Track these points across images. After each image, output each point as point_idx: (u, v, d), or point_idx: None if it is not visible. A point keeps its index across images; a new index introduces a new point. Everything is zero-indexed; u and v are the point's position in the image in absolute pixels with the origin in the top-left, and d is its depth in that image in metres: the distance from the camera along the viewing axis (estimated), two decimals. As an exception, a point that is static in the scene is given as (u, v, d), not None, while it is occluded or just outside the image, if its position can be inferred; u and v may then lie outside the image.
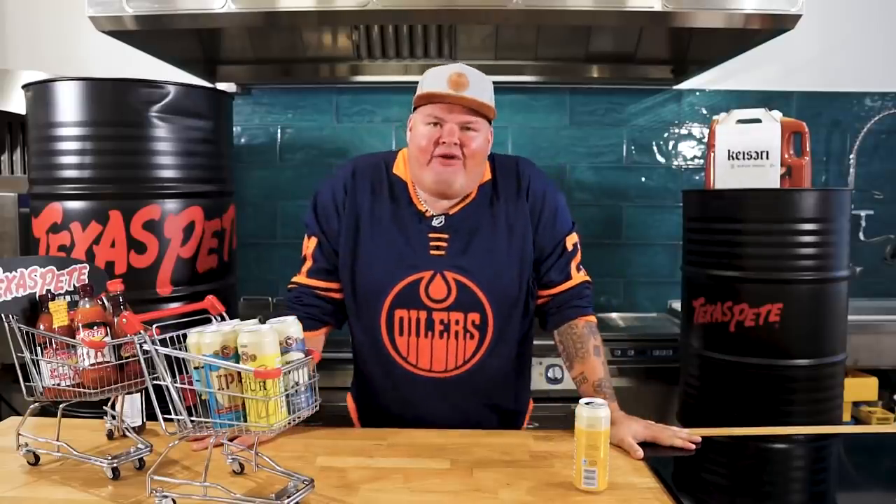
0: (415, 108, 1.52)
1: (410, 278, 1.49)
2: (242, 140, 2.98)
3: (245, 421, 1.10)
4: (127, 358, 1.28)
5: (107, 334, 1.27)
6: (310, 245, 1.60)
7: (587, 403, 1.21)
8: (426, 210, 1.53)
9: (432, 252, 1.51)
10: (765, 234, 2.03)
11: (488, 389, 1.56)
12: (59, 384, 1.27)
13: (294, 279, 1.62)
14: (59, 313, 1.27)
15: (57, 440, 1.31)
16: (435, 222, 1.52)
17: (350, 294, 1.56)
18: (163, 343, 1.10)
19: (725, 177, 2.21)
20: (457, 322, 1.49)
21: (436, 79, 1.47)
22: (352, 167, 1.59)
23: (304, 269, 1.61)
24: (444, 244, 1.51)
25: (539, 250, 1.55)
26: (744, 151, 2.19)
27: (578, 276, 1.59)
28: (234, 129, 2.73)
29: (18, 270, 1.29)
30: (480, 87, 1.47)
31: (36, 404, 1.31)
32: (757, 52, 2.38)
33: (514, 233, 1.53)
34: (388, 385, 1.56)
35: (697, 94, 2.98)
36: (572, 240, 1.59)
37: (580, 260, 1.61)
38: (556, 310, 1.58)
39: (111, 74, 2.09)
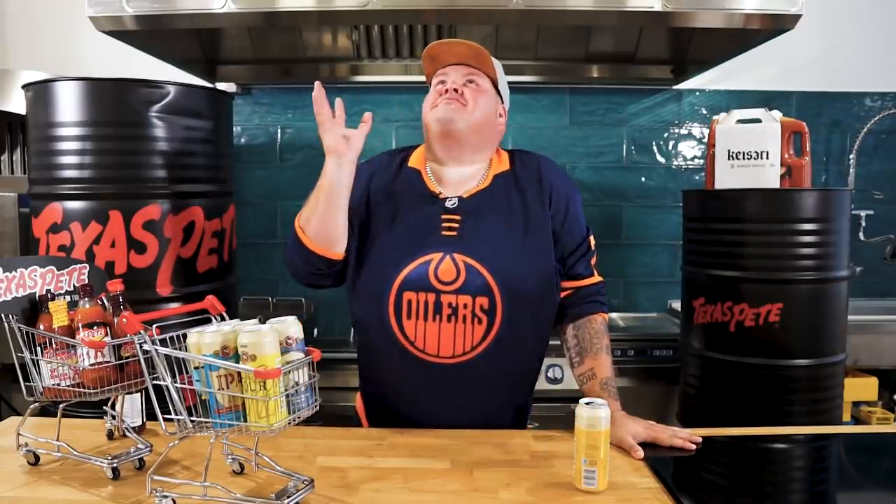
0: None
1: (420, 260, 1.47)
2: (242, 140, 2.98)
3: (245, 421, 1.10)
4: (127, 358, 1.28)
5: (107, 334, 1.27)
6: None
7: (587, 403, 1.21)
8: (440, 192, 1.55)
9: (444, 233, 1.50)
10: (765, 234, 2.03)
11: (495, 379, 1.51)
12: (59, 384, 1.27)
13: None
14: (58, 313, 1.27)
15: (57, 440, 1.31)
16: (448, 203, 1.53)
17: (356, 276, 1.52)
18: (163, 343, 1.10)
19: (725, 177, 2.20)
20: (465, 306, 1.45)
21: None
22: (378, 155, 1.67)
23: None
24: (457, 225, 1.50)
25: (564, 245, 1.56)
26: (744, 151, 2.19)
27: (597, 275, 1.63)
28: (234, 129, 2.74)
29: (18, 270, 1.29)
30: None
31: (36, 404, 1.31)
32: (757, 52, 2.38)
33: (530, 225, 1.52)
34: (395, 371, 1.51)
35: (697, 94, 2.98)
36: (591, 239, 1.63)
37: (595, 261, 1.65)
38: (578, 302, 1.59)
39: (111, 74, 2.09)
